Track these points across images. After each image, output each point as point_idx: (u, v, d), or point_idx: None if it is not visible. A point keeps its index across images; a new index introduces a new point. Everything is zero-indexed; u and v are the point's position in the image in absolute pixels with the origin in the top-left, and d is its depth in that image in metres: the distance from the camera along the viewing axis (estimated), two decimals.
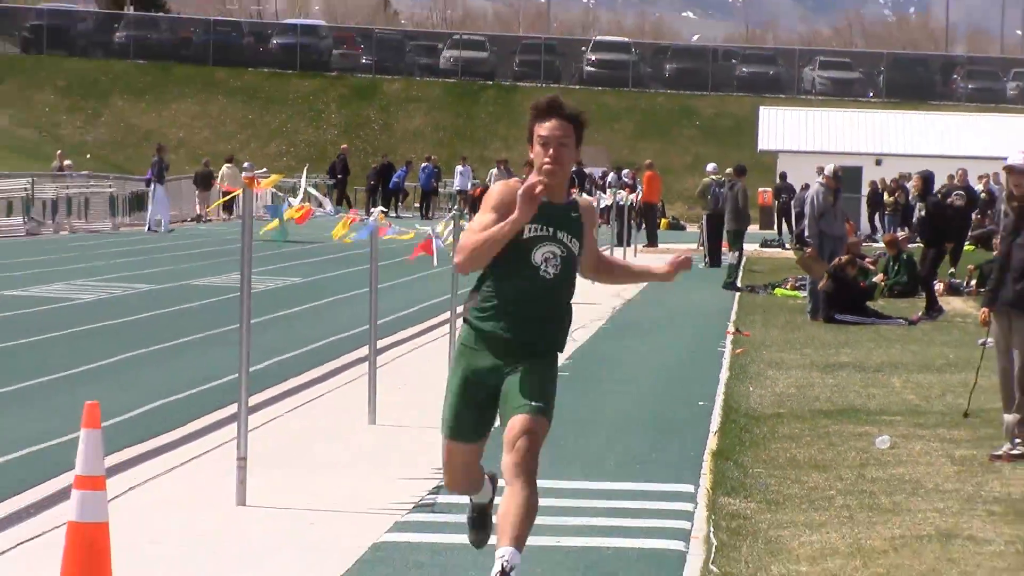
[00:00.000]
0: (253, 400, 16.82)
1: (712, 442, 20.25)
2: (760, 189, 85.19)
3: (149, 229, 71.31)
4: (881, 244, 50.65)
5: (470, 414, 11.72)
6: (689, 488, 17.27)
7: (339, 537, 14.64)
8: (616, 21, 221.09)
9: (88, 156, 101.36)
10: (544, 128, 11.36)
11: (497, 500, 11.81)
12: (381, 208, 28.21)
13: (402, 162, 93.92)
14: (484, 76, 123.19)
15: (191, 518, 15.38)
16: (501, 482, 11.70)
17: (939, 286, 40.94)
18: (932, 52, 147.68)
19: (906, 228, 53.97)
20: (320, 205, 18.59)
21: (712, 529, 15.30)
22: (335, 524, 15.25)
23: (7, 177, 75.31)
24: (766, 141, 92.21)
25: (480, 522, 12.48)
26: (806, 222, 40.79)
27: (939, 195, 42.59)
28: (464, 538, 14.51)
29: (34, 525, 14.89)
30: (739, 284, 46.91)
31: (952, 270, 45.47)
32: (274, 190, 17.91)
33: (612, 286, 40.01)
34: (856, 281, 39.18)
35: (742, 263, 49.88)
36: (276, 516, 15.56)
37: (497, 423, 11.79)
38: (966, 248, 45.59)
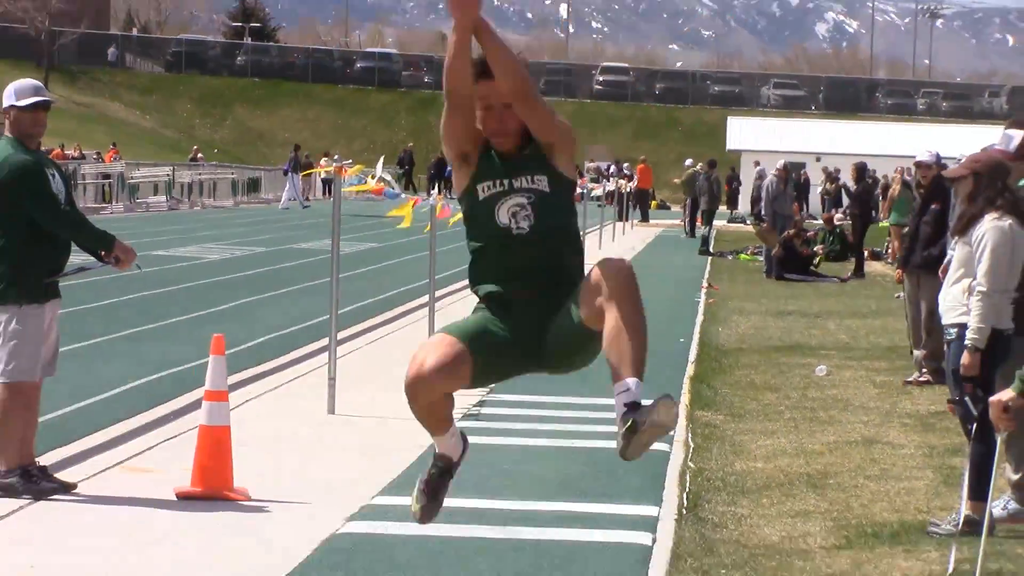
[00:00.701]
0: (340, 335, 16.77)
1: (690, 369, 20.28)
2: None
3: (283, 207, 71.26)
4: (819, 221, 50.56)
5: (485, 333, 7.85)
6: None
7: (406, 439, 14.61)
8: (619, 51, 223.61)
9: (216, 151, 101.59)
10: (486, 87, 7.45)
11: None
12: (437, 192, 28.16)
13: None
14: None
15: (293, 423, 15.38)
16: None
17: (866, 253, 40.91)
18: (860, 76, 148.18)
19: (837, 209, 53.80)
20: (390, 184, 18.63)
21: (690, 435, 15.29)
22: (403, 429, 15.20)
23: (154, 166, 75.54)
24: (733, 143, 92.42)
25: (438, 485, 8.14)
26: (763, 204, 41.11)
27: (869, 180, 42.60)
28: (500, 439, 14.52)
29: (175, 427, 14.90)
30: (711, 250, 46.89)
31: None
32: (360, 176, 17.88)
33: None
34: (801, 249, 39.34)
35: (712, 234, 49.82)
36: (358, 422, 15.54)
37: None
38: (882, 223, 45.42)
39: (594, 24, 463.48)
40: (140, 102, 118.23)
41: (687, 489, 12.62)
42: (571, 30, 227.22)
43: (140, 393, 17.15)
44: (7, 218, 11.43)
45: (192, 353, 19.08)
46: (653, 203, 74.89)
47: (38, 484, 11.61)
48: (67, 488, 11.75)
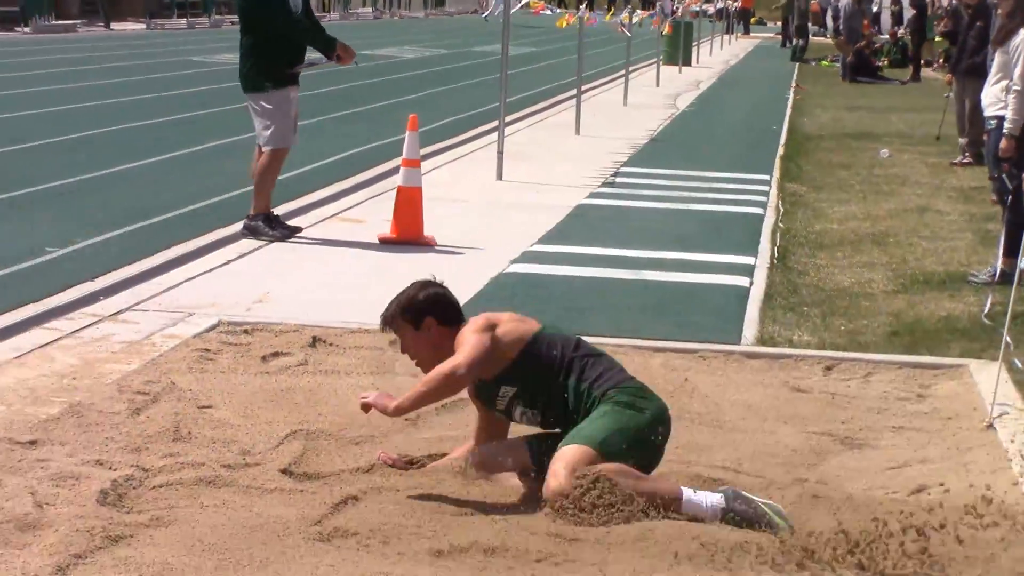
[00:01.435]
0: (507, 119, 16.66)
1: (780, 150, 20.09)
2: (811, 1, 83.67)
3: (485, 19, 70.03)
4: (885, 36, 49.56)
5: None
6: (766, 177, 17.09)
7: (556, 200, 14.58)
8: None
9: None
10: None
11: None
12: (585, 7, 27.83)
13: None
14: None
15: (469, 187, 15.37)
16: None
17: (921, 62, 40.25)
18: None
19: (899, 26, 52.62)
20: (550, 3, 18.50)
21: (780, 202, 15.15)
22: (553, 193, 15.17)
23: None
24: None
25: None
26: (840, 21, 40.54)
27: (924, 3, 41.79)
28: (632, 202, 14.44)
29: (379, 187, 14.95)
30: (803, 57, 46.23)
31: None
32: None
33: (700, 70, 39.09)
34: (870, 58, 38.82)
35: (799, 45, 49.02)
36: (519, 187, 15.50)
37: None
38: (937, 40, 44.46)
39: None
40: None
41: (777, 244, 12.54)
42: None
43: (352, 161, 17.20)
44: (256, 25, 11.82)
45: (392, 131, 19.07)
46: (753, 19, 73.59)
47: (275, 228, 11.82)
48: (295, 231, 11.98)
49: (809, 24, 51.62)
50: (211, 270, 10.61)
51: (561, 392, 6.02)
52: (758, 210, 14.47)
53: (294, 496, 5.85)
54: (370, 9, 69.68)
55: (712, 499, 5.69)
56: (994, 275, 10.84)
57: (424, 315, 6.12)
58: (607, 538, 5.39)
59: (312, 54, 12.12)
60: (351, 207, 13.84)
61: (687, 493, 5.70)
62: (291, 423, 6.83)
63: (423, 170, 12.70)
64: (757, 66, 42.33)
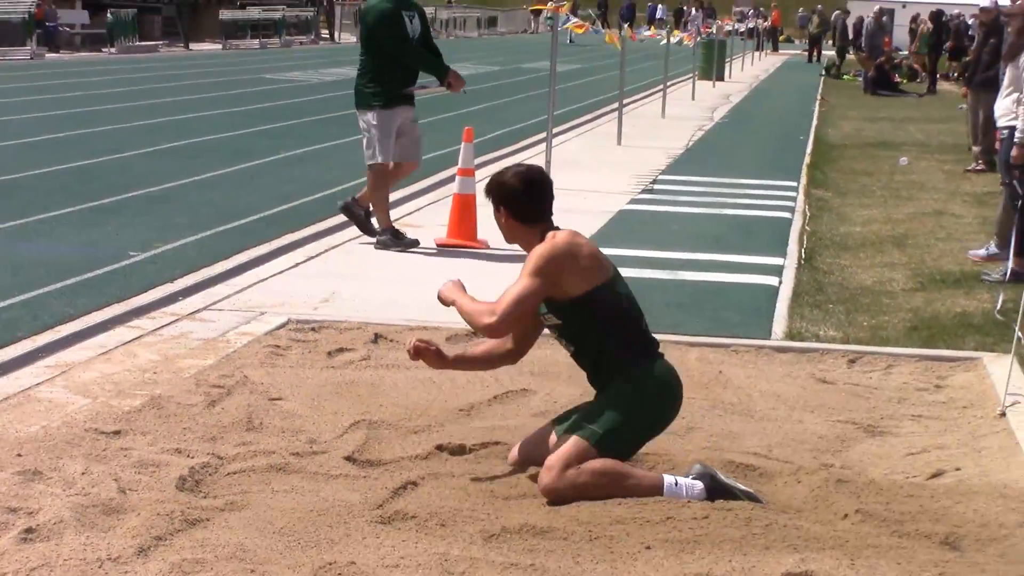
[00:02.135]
0: (555, 130, 16.59)
1: (807, 159, 19.97)
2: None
3: (570, 41, 63.52)
4: (904, 52, 49.27)
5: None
6: (794, 183, 17.00)
7: (600, 205, 14.53)
8: None
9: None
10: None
11: None
12: (628, 27, 27.72)
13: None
14: None
15: None
16: None
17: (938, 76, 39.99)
18: None
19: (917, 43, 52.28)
20: (593, 23, 18.41)
21: (806, 206, 15.07)
22: (597, 199, 15.12)
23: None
24: None
25: None
26: (863, 39, 40.43)
27: (944, 21, 41.52)
28: (669, 207, 14.36)
29: (436, 194, 14.96)
30: (833, 73, 46.05)
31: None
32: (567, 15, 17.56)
33: (733, 85, 38.94)
34: (890, 72, 38.60)
35: (835, 64, 48.80)
36: (565, 193, 15.35)
37: None
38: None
39: None
40: None
41: (804, 246, 12.47)
42: None
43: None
44: (374, 48, 11.66)
45: (451, 139, 19.06)
46: (781, 37, 73.32)
47: (401, 240, 11.77)
48: (416, 243, 11.85)
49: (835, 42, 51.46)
50: (281, 272, 10.62)
51: (595, 349, 5.74)
52: (786, 214, 14.39)
53: (357, 482, 5.84)
54: None
55: (695, 490, 5.52)
56: (1006, 274, 10.75)
57: (499, 202, 5.89)
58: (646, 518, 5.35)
59: (425, 77, 11.94)
60: (411, 212, 13.83)
61: (668, 485, 5.54)
62: (354, 414, 6.82)
63: (477, 178, 12.67)
64: (785, 80, 42.12)
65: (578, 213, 13.94)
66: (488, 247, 11.78)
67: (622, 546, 5.13)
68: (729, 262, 11.45)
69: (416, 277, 10.56)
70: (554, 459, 5.59)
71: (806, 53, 57.67)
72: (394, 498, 5.61)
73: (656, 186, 16.33)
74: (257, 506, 5.45)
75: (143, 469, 5.81)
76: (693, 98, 31.45)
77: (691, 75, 34.36)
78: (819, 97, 34.02)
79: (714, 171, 17.81)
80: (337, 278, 10.42)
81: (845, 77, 44.31)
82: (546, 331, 6.00)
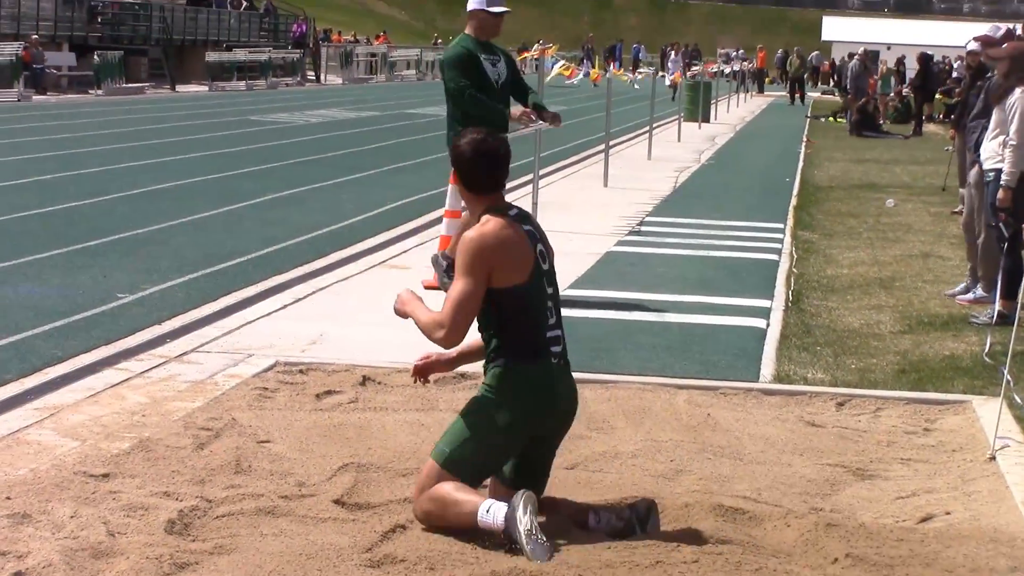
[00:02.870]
0: (541, 172, 16.59)
1: (793, 200, 20.04)
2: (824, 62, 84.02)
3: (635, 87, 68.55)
4: (891, 93, 49.58)
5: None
6: (780, 225, 17.05)
7: (586, 247, 14.55)
8: None
9: (451, 37, 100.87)
10: None
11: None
12: (616, 68, 27.86)
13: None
14: None
15: None
16: None
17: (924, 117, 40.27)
18: None
19: (901, 85, 52.53)
20: (580, 66, 18.47)
21: (793, 248, 15.11)
22: (583, 241, 15.14)
23: (406, 48, 75.67)
24: (827, 35, 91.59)
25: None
26: (847, 81, 40.71)
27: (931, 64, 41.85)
28: (656, 249, 14.38)
29: (422, 236, 14.97)
30: (809, 114, 46.28)
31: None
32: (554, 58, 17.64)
33: (721, 124, 38.97)
34: (875, 114, 38.82)
35: (808, 103, 49.05)
36: (551, 235, 15.37)
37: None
38: (936, 97, 44.38)
39: None
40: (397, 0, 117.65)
41: (791, 288, 12.49)
42: None
43: (401, 211, 17.22)
44: (448, 92, 11.02)
45: (434, 182, 19.10)
46: (768, 79, 73.65)
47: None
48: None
49: (819, 83, 51.71)
50: (268, 314, 10.62)
51: (489, 336, 5.75)
52: (773, 256, 14.43)
53: (347, 525, 5.83)
54: (413, 72, 69.94)
55: (499, 517, 5.43)
56: (993, 317, 10.77)
57: (452, 164, 5.85)
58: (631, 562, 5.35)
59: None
60: (398, 255, 13.85)
61: (481, 512, 5.50)
62: (343, 456, 6.81)
63: (463, 221, 12.69)
64: (770, 122, 42.29)
65: (565, 255, 13.94)
66: None
67: None
68: (716, 304, 11.47)
69: (402, 320, 10.53)
70: (416, 485, 5.71)
71: (788, 95, 57.89)
72: (383, 541, 5.60)
73: (643, 228, 16.36)
74: (246, 550, 5.44)
75: (132, 512, 5.80)
76: (679, 139, 31.56)
77: (676, 117, 34.48)
78: (804, 138, 34.18)
79: (701, 213, 17.87)
80: (325, 320, 10.42)
81: (830, 119, 44.54)
82: None
